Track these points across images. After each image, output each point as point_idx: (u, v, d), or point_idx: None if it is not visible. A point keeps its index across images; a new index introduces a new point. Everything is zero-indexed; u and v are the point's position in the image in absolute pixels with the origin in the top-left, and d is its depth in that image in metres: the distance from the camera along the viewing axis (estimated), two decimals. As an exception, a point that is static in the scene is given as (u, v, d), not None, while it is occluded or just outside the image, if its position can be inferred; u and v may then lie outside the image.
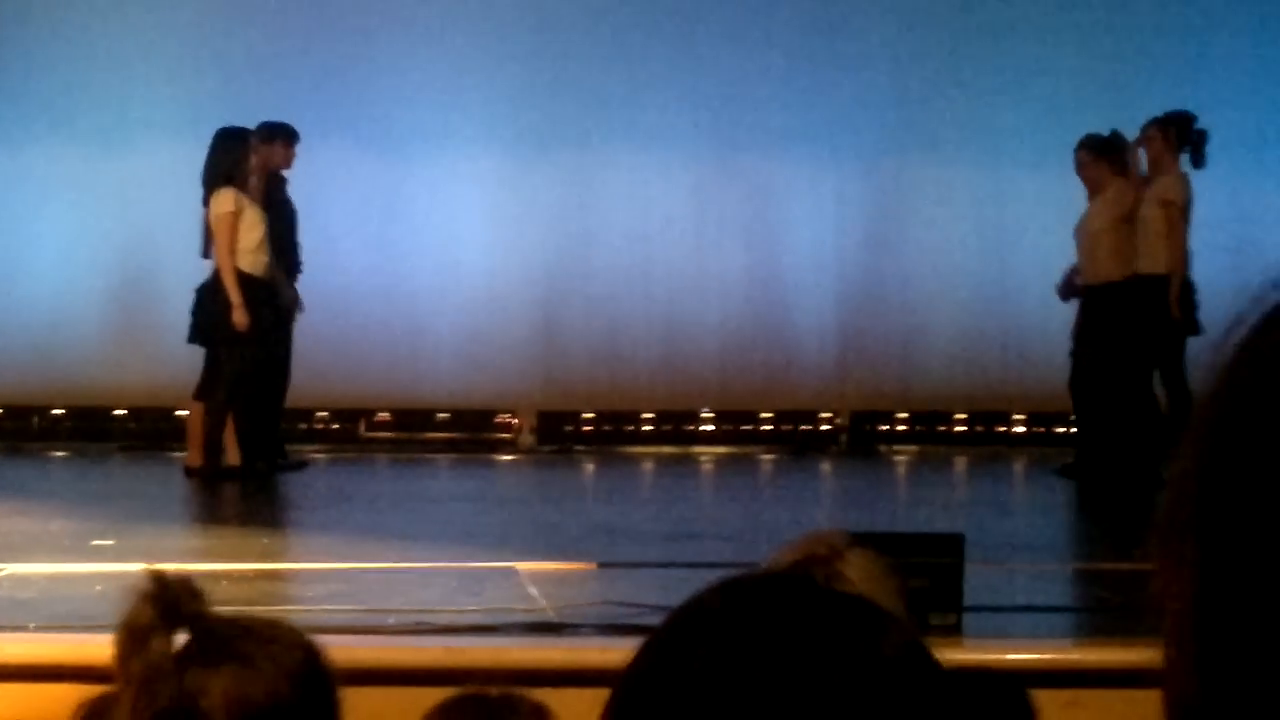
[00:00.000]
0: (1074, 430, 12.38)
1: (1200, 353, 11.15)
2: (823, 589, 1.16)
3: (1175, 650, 0.93)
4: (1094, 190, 11.58)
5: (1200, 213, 11.16)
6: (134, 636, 2.31)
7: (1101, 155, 11.55)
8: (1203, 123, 11.19)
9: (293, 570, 7.58)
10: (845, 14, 14.58)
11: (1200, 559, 0.92)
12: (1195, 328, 11.04)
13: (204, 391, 11.13)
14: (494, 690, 2.70)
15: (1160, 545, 0.96)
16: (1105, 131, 11.69)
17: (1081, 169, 11.71)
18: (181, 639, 2.31)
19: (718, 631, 1.09)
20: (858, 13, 14.59)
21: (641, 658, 1.11)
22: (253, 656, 2.32)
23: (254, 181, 11.25)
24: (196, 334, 11.21)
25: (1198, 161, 11.14)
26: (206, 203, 11.11)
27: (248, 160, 11.17)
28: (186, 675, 2.29)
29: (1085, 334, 11.47)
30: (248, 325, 10.82)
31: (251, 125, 11.48)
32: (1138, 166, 11.44)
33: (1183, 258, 10.89)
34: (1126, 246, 11.08)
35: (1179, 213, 10.91)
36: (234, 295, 10.84)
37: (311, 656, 2.39)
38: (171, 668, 2.29)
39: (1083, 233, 11.56)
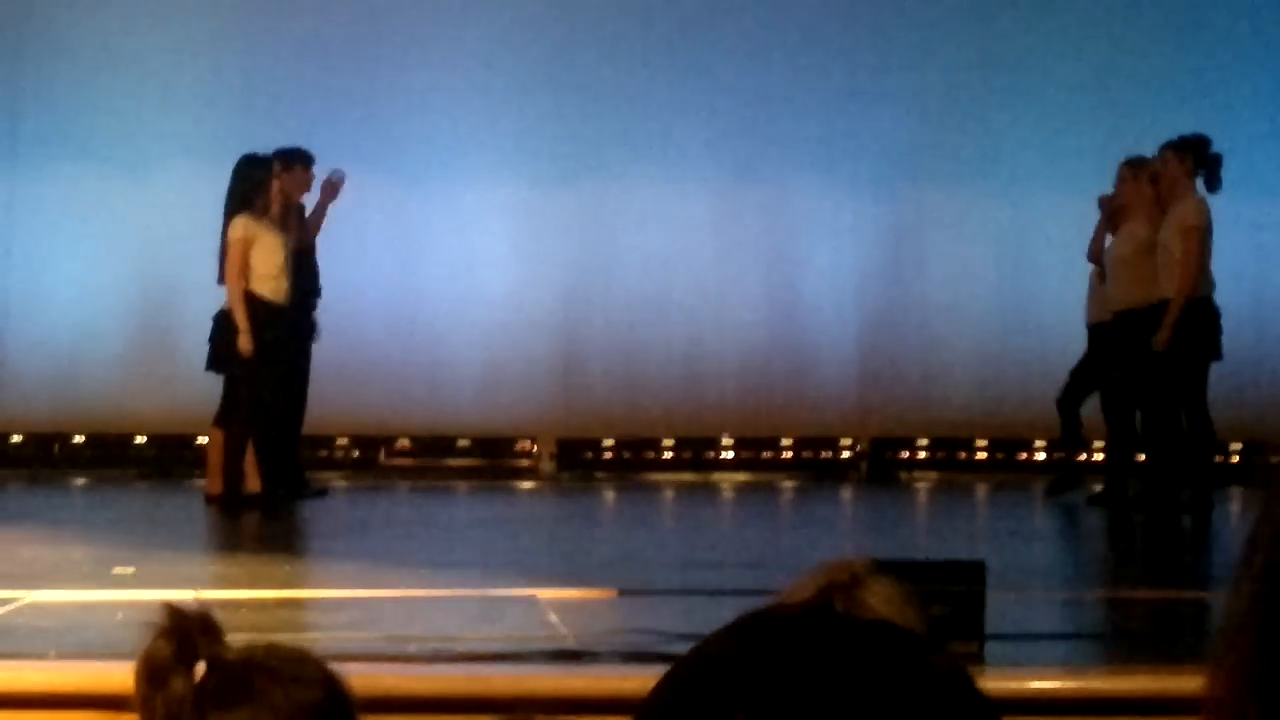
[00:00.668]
0: (1101, 458, 12.38)
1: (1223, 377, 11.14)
2: (854, 619, 1.16)
3: (1235, 679, 0.94)
4: (1128, 209, 11.51)
5: (1220, 238, 11.13)
6: (154, 675, 2.31)
7: (1141, 174, 11.46)
8: (1220, 147, 11.16)
9: (313, 598, 7.57)
10: (864, 41, 14.59)
11: (1257, 590, 0.93)
12: (1218, 353, 11.00)
13: (223, 418, 11.15)
14: (520, 718, 2.69)
15: (1235, 573, 0.97)
16: (1125, 157, 11.68)
17: (1121, 184, 11.62)
18: (200, 670, 2.31)
19: (758, 661, 1.07)
20: (877, 40, 14.61)
21: (668, 689, 1.10)
22: (271, 694, 2.31)
23: (275, 209, 11.28)
24: (213, 361, 11.23)
25: (1213, 185, 11.10)
26: (226, 230, 11.14)
27: (269, 187, 11.20)
28: (207, 716, 2.29)
29: (1113, 359, 11.44)
30: (253, 351, 10.83)
31: (270, 152, 11.50)
32: (1151, 190, 11.40)
33: (1192, 283, 10.82)
34: (1150, 272, 11.04)
35: (1198, 238, 10.87)
36: (240, 320, 10.86)
37: (332, 691, 2.38)
38: (192, 707, 2.29)
39: (1109, 258, 11.54)
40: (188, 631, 2.33)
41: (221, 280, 11.17)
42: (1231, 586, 0.99)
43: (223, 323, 11.12)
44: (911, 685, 1.06)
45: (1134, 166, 11.55)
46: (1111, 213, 11.85)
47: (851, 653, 1.08)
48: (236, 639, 2.42)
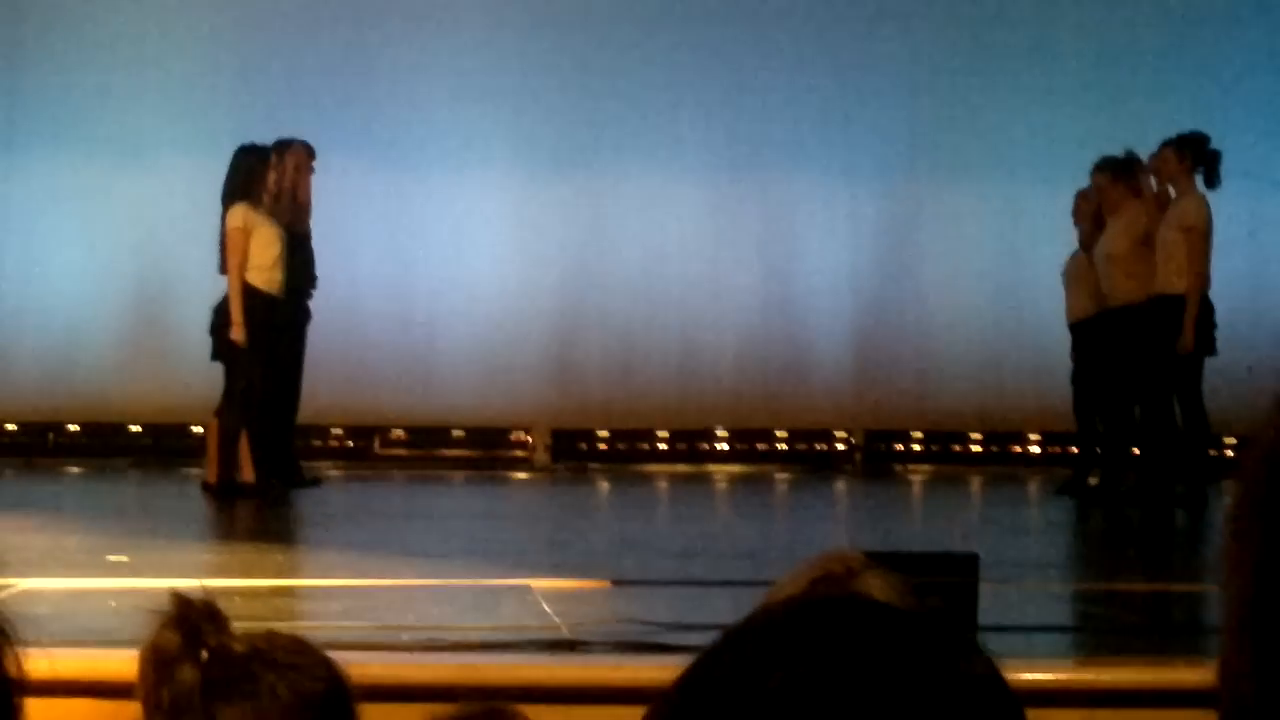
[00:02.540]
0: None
1: (1221, 372, 11.15)
2: (896, 610, 1.14)
3: (1234, 652, 0.94)
4: (1110, 213, 11.56)
5: (1216, 233, 11.13)
6: (160, 664, 2.30)
7: (1118, 177, 11.54)
8: (1216, 143, 11.16)
9: (307, 587, 7.57)
10: (860, 35, 14.58)
11: (1259, 561, 0.93)
12: (1213, 349, 11.02)
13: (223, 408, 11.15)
14: (479, 706, 2.69)
15: (1226, 550, 0.98)
16: (1118, 152, 11.68)
17: (1100, 193, 11.70)
18: (204, 659, 2.31)
19: (793, 648, 1.06)
20: (873, 34, 14.60)
21: (707, 672, 1.09)
22: (274, 685, 2.31)
23: (268, 199, 11.26)
24: (217, 352, 11.21)
25: (1211, 182, 11.10)
26: (224, 219, 11.11)
27: (265, 177, 11.18)
28: (213, 706, 2.29)
29: (1105, 355, 11.45)
30: (247, 342, 10.81)
31: (266, 142, 11.47)
32: (1150, 187, 11.43)
33: (1202, 282, 10.87)
34: (1144, 268, 11.06)
35: (1200, 237, 10.88)
36: (235, 312, 10.84)
37: (334, 682, 2.38)
38: (199, 698, 2.28)
39: (1098, 255, 11.55)
40: (195, 621, 2.33)
41: (223, 270, 11.15)
42: (1225, 579, 0.99)
43: (222, 313, 11.10)
44: (952, 677, 1.06)
45: (1106, 170, 11.59)
46: (1093, 214, 11.86)
47: (891, 636, 1.08)
48: (237, 638, 2.41)
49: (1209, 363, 11.04)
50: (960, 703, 1.05)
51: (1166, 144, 11.22)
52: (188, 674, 2.30)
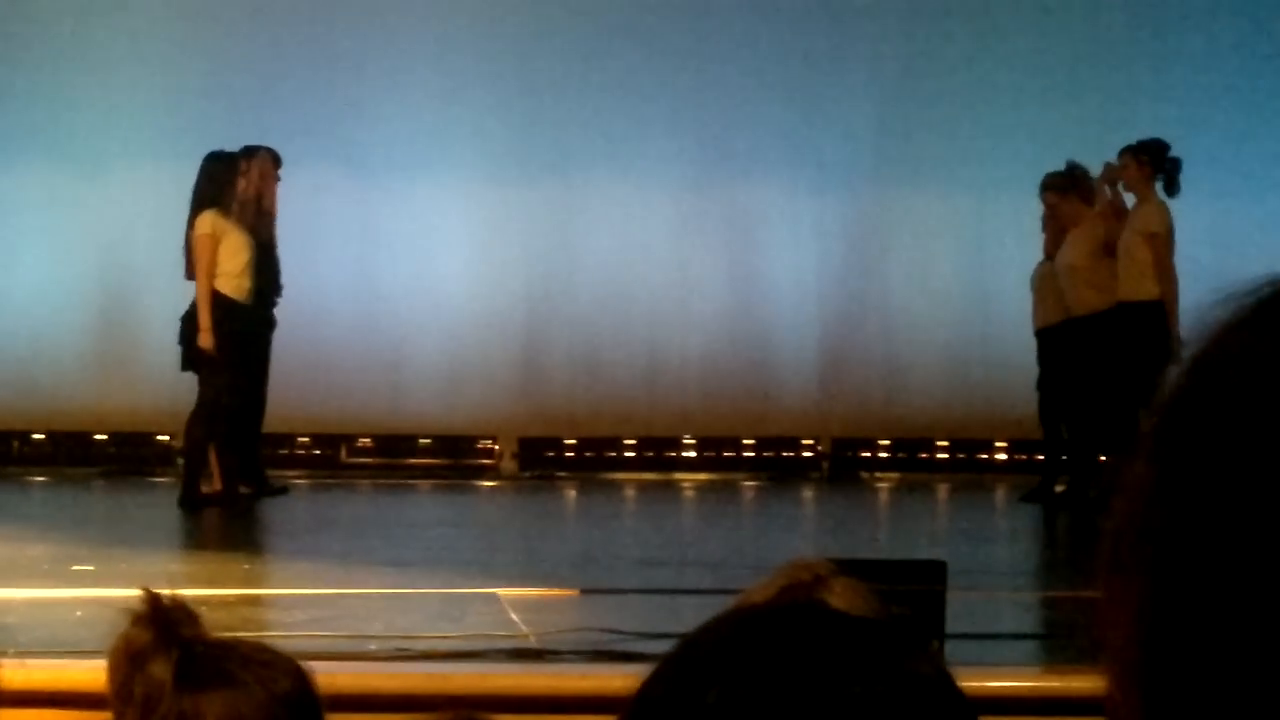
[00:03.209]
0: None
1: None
2: (846, 617, 1.15)
3: (1121, 684, 0.92)
4: (1071, 226, 11.61)
5: (1178, 241, 11.19)
6: (133, 658, 2.31)
7: (1066, 191, 11.62)
8: (1178, 150, 11.22)
9: (274, 596, 7.56)
10: (826, 43, 14.60)
11: (1148, 587, 0.90)
12: (1176, 355, 11.05)
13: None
14: (448, 715, 2.71)
15: (1106, 571, 0.95)
16: (1060, 166, 11.80)
17: (1054, 210, 11.75)
18: (175, 655, 2.32)
19: (743, 657, 1.07)
20: (839, 41, 14.62)
21: (655, 687, 1.09)
22: (245, 680, 2.32)
23: (236, 207, 11.22)
24: (185, 362, 11.16)
25: (1172, 189, 11.17)
26: (192, 226, 11.08)
27: (234, 184, 11.15)
28: (184, 699, 2.30)
29: (1070, 365, 11.48)
30: (215, 349, 10.77)
31: (233, 149, 11.44)
32: (1104, 195, 11.49)
33: (1174, 288, 10.90)
34: (1105, 277, 11.10)
35: (1164, 242, 10.93)
36: (204, 318, 10.80)
37: (301, 681, 2.39)
38: (171, 690, 2.29)
39: (1059, 265, 11.58)
40: (168, 616, 2.34)
41: (189, 276, 11.11)
42: (1113, 578, 0.96)
43: (192, 322, 11.05)
44: (894, 682, 1.06)
45: (1055, 188, 11.69)
46: (1056, 232, 11.91)
47: (834, 644, 1.08)
48: (208, 635, 2.42)
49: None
50: (904, 711, 1.05)
51: (1126, 150, 11.28)
52: (160, 668, 2.30)
